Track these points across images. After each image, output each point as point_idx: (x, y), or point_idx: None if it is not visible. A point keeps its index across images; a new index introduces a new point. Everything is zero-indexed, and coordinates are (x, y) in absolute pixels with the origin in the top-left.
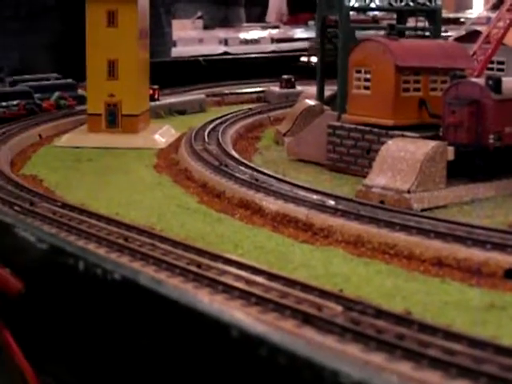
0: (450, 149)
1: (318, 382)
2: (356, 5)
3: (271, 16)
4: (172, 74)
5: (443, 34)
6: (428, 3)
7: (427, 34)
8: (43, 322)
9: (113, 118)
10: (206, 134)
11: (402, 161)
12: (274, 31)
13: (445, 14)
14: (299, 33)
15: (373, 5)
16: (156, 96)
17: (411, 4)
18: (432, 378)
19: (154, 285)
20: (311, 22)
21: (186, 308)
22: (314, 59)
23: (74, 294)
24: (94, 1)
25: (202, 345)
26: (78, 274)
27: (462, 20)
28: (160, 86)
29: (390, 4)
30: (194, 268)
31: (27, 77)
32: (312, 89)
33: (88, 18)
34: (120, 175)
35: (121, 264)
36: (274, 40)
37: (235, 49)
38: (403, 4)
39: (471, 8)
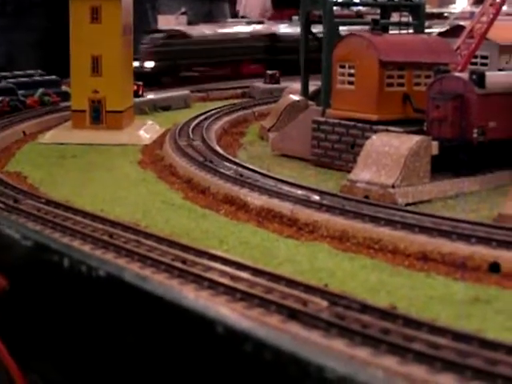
0: (435, 143)
1: (304, 378)
2: (340, 0)
3: (254, 11)
4: None
5: (428, 29)
6: None
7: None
8: (28, 319)
9: (97, 115)
10: (190, 129)
11: (387, 155)
12: (259, 26)
13: (429, 9)
14: (283, 28)
15: (357, 0)
16: (140, 92)
17: None
18: (417, 372)
19: (139, 281)
20: (295, 17)
21: (170, 304)
22: (148, 64)
23: (59, 291)
24: None
25: (187, 341)
26: (62, 270)
27: (445, 15)
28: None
29: None
30: (179, 264)
31: (11, 73)
32: (296, 84)
33: (72, 14)
34: (104, 172)
35: (106, 261)
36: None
37: None
38: None
39: (455, 3)
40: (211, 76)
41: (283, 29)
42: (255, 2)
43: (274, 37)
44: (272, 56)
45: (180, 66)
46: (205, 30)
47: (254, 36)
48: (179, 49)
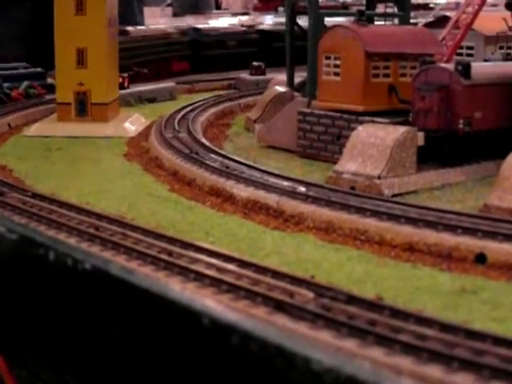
0: (420, 134)
1: (290, 369)
2: None
3: (237, 3)
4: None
5: (414, 20)
6: None
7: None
8: (15, 313)
9: (82, 107)
10: (176, 121)
11: (372, 146)
12: (244, 18)
13: (414, 0)
14: (269, 19)
15: None
16: (126, 84)
17: None
18: (404, 363)
19: (125, 274)
20: (281, 9)
21: (157, 296)
22: None
23: (45, 284)
24: None
25: (174, 333)
26: (48, 263)
27: (431, 6)
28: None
29: None
30: (165, 256)
31: None
32: (282, 76)
33: (56, 6)
34: (90, 164)
35: (91, 253)
36: (243, 26)
37: None
38: None
39: None
40: (143, 75)
41: (208, 23)
42: None
43: (197, 31)
44: (195, 52)
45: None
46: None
47: (180, 31)
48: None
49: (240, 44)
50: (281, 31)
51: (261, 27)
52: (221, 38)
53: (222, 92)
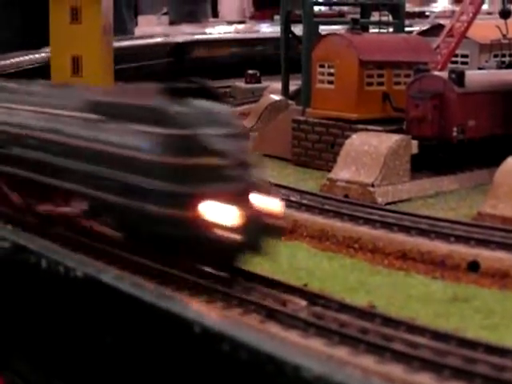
0: (414, 142)
1: (280, 377)
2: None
3: (232, 12)
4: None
5: (409, 28)
6: None
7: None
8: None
9: None
10: None
11: (366, 154)
12: (240, 26)
13: (410, 8)
14: (265, 28)
15: None
16: None
17: None
18: (395, 371)
19: (117, 282)
20: (277, 17)
21: (149, 305)
22: None
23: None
24: None
25: (166, 341)
26: (40, 271)
27: (427, 14)
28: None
29: None
30: (158, 265)
31: None
32: (277, 84)
33: (51, 14)
34: None
35: (83, 261)
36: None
37: None
38: None
39: (436, 1)
40: None
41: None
42: (233, 3)
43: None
44: None
45: None
46: None
47: None
48: None
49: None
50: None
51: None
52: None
53: None
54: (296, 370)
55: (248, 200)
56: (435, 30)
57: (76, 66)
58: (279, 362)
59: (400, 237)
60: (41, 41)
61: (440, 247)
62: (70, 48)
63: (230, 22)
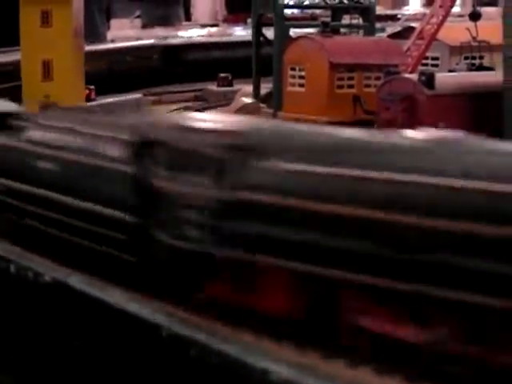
0: None
1: (249, 382)
2: (290, 2)
3: (205, 15)
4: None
5: (382, 32)
6: (361, 0)
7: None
8: None
9: None
10: None
11: None
12: (213, 29)
13: (382, 11)
14: (238, 31)
15: (307, 2)
16: (92, 96)
17: (345, 1)
18: (364, 375)
19: (85, 287)
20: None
21: (116, 309)
22: None
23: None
24: (27, 1)
25: (133, 346)
26: (9, 276)
27: (398, 16)
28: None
29: (325, 1)
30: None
31: None
32: (249, 87)
33: (22, 18)
34: None
35: (51, 266)
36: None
37: None
38: (337, 1)
39: (408, 4)
40: None
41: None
42: (205, 6)
43: None
44: None
45: None
46: None
47: None
48: None
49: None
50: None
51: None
52: None
53: (189, 103)
54: (264, 373)
55: None
56: (406, 32)
57: (47, 69)
58: (249, 367)
59: None
60: (11, 43)
61: None
62: (41, 52)
63: (203, 25)
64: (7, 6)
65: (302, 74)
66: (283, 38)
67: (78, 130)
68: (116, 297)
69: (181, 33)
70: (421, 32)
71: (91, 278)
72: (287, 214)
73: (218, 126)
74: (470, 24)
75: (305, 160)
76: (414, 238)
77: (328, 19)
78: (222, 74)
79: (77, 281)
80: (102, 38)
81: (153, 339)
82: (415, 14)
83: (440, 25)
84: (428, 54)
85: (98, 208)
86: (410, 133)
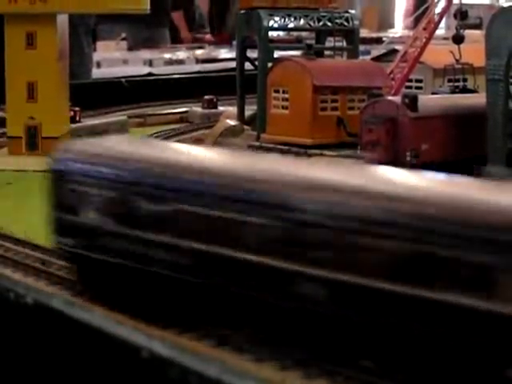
0: None
1: None
2: (275, 25)
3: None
4: (93, 95)
5: (367, 54)
6: (346, 23)
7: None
8: None
9: (33, 141)
10: None
11: None
12: (199, 51)
13: (367, 34)
14: (224, 53)
15: (291, 25)
16: (77, 118)
17: (329, 24)
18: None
19: (65, 306)
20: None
21: (96, 330)
22: None
23: None
24: (12, 22)
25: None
26: None
27: (383, 39)
28: (81, 107)
29: (309, 24)
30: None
31: None
32: (234, 109)
33: (7, 40)
34: (40, 198)
35: (33, 287)
36: (198, 60)
37: (160, 69)
38: (321, 24)
39: (394, 27)
40: None
41: None
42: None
43: None
44: None
45: None
46: None
47: None
48: None
49: None
50: None
51: None
52: None
53: (174, 125)
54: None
55: None
56: (390, 55)
57: (31, 91)
58: None
59: None
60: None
61: None
62: (26, 73)
63: (190, 48)
64: None
65: (286, 96)
66: (267, 60)
67: None
68: None
69: (167, 55)
70: (404, 54)
71: None
72: None
73: None
74: (454, 47)
75: None
76: None
77: (313, 42)
78: (207, 97)
79: None
80: (87, 61)
81: (133, 360)
82: (400, 37)
83: (423, 47)
84: (412, 77)
85: None
86: None
